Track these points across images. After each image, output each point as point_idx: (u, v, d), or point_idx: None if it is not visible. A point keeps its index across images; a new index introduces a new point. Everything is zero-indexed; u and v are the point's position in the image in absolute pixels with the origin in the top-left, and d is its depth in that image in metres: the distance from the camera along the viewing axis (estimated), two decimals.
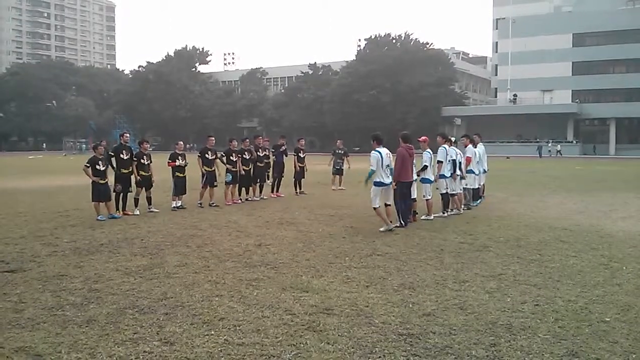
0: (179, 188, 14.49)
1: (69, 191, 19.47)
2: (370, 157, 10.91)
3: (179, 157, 14.53)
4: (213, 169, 15.02)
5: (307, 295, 6.41)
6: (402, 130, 12.63)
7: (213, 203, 14.99)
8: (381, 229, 10.89)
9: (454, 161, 13.15)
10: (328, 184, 20.20)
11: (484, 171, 15.34)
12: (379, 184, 10.85)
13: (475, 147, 14.56)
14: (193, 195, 15.16)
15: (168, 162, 14.53)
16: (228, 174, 15.40)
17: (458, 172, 13.30)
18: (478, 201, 14.97)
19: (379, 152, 10.80)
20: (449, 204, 13.19)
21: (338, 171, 20.28)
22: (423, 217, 12.50)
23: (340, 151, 20.50)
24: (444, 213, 13.00)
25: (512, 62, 72.74)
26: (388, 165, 10.87)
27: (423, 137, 12.96)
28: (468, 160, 14.09)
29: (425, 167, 12.45)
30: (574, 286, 6.84)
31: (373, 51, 76.62)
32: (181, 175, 14.50)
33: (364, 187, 11.72)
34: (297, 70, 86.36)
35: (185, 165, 14.54)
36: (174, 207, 14.36)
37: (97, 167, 12.75)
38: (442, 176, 12.85)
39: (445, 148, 12.95)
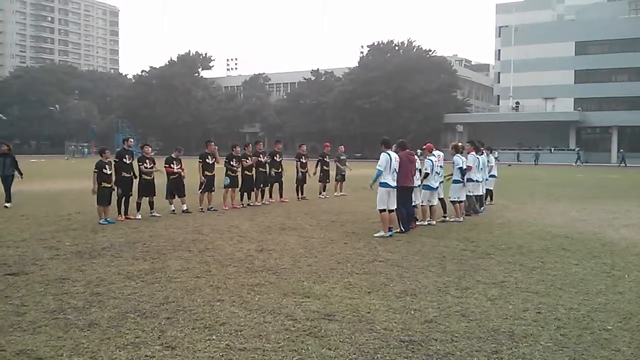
0: (170, 190, 14.52)
1: (71, 195, 19.48)
2: (380, 158, 10.93)
3: (174, 161, 14.58)
4: (213, 173, 15.09)
5: (309, 301, 6.41)
6: (403, 137, 12.73)
7: (212, 208, 15.03)
8: (376, 235, 10.91)
9: (460, 169, 13.37)
10: (329, 189, 20.10)
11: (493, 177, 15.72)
12: (385, 185, 10.85)
13: (480, 155, 14.70)
14: (193, 199, 15.17)
15: (165, 167, 14.56)
16: (226, 177, 15.44)
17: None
18: (481, 208, 15.00)
19: (389, 155, 10.84)
20: (444, 210, 13.37)
21: (342, 177, 20.33)
22: (426, 223, 12.61)
23: (343, 157, 20.57)
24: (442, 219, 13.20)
25: (515, 70, 72.71)
26: (395, 170, 10.89)
27: (427, 145, 13.07)
28: (469, 168, 14.14)
29: (427, 174, 12.52)
30: (576, 294, 6.83)
31: (376, 58, 76.73)
32: (174, 177, 14.54)
33: (370, 191, 11.73)
34: (300, 76, 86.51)
35: (180, 168, 14.58)
36: (184, 209, 14.47)
37: (104, 171, 12.81)
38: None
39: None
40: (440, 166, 13.13)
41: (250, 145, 16.87)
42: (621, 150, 59.89)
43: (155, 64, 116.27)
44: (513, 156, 59.93)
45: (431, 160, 12.67)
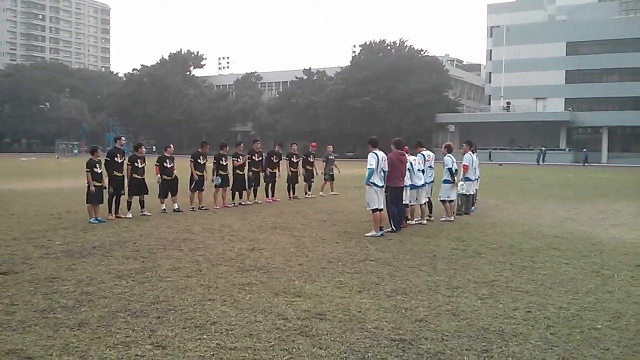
0: (163, 190, 14.49)
1: (61, 193, 19.38)
2: (368, 158, 10.94)
3: (167, 159, 14.54)
4: (203, 173, 15.07)
5: (300, 300, 6.41)
6: (396, 137, 12.75)
7: (203, 207, 15.02)
8: (367, 234, 10.94)
9: (450, 169, 13.43)
10: (315, 189, 19.92)
11: (477, 178, 15.68)
12: (373, 185, 10.88)
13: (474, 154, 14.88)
14: (184, 198, 15.14)
15: (156, 166, 14.54)
16: (217, 177, 15.40)
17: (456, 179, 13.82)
18: (472, 208, 15.06)
19: (377, 154, 10.86)
20: (430, 209, 13.51)
21: (331, 177, 20.28)
22: (414, 222, 12.68)
23: (331, 157, 20.53)
24: (429, 217, 13.33)
25: (506, 70, 72.98)
26: (383, 169, 10.92)
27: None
28: (465, 167, 14.27)
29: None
30: (566, 293, 6.87)
31: (368, 57, 76.76)
32: (168, 178, 14.47)
33: (361, 190, 11.73)
34: (292, 75, 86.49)
35: (172, 167, 14.52)
36: (175, 208, 14.48)
37: (95, 169, 12.75)
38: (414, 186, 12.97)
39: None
40: (430, 166, 13.24)
41: (242, 144, 16.87)
42: (584, 150, 60.39)
43: (147, 62, 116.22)
44: (485, 156, 59.97)
45: (410, 162, 12.66)
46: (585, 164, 55.83)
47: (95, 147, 13.51)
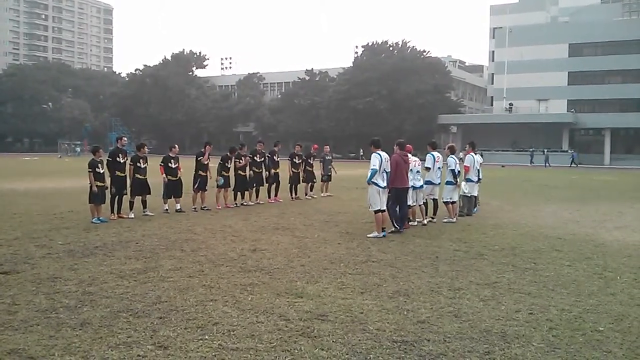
0: (168, 191, 14.50)
1: (63, 193, 19.39)
2: (371, 158, 10.96)
3: (172, 160, 14.53)
4: (206, 173, 15.09)
5: (302, 301, 6.40)
6: (398, 138, 12.78)
7: (205, 207, 15.03)
8: (369, 235, 10.93)
9: (452, 171, 13.44)
10: (316, 189, 19.89)
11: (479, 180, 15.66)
12: (375, 185, 10.89)
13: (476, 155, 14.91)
14: (186, 199, 15.14)
15: (160, 166, 14.55)
16: (220, 177, 15.42)
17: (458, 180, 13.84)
18: (475, 209, 15.05)
19: (380, 155, 10.88)
20: (435, 210, 13.55)
21: (328, 178, 20.32)
22: (416, 223, 12.69)
23: (328, 157, 20.58)
24: (432, 219, 13.36)
25: (509, 71, 72.88)
26: (385, 170, 10.93)
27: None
28: (466, 169, 14.29)
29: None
30: (568, 295, 6.86)
31: (370, 58, 76.77)
32: (173, 178, 14.48)
33: (363, 191, 11.74)
34: (294, 76, 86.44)
35: (177, 167, 14.53)
36: (177, 209, 14.51)
37: (97, 169, 12.75)
38: (429, 182, 13.12)
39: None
40: (439, 168, 13.29)
41: (245, 145, 16.94)
42: (571, 150, 60.20)
43: (149, 62, 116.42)
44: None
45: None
46: (573, 165, 55.78)
47: (97, 147, 13.51)
